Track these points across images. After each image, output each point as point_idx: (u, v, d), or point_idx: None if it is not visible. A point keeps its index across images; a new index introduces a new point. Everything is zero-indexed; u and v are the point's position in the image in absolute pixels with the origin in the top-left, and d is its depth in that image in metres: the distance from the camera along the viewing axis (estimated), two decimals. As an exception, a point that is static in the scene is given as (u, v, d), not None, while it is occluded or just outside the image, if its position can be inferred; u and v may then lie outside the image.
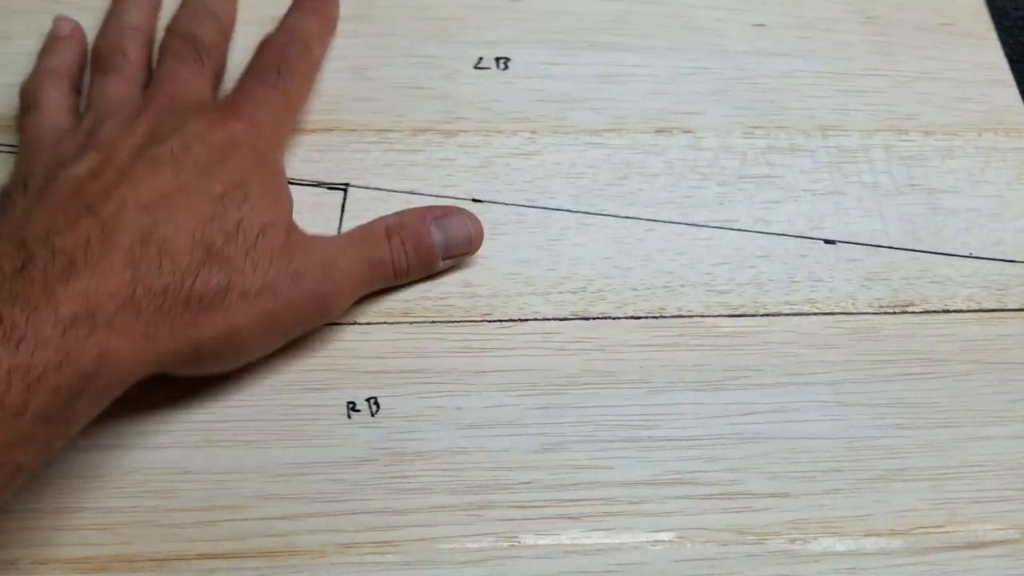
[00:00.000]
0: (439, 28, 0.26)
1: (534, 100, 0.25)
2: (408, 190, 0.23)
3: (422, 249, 0.22)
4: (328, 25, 0.25)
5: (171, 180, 0.20)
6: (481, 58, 0.25)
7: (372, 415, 0.21)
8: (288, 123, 0.23)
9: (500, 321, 0.22)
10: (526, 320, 0.22)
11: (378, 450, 0.21)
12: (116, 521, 0.19)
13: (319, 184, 0.24)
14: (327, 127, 0.24)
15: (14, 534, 0.19)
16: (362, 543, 0.20)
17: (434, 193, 0.24)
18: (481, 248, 0.22)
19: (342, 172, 0.24)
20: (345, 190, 0.23)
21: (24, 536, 0.19)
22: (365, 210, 0.23)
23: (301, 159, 0.24)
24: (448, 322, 0.22)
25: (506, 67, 0.25)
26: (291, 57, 0.23)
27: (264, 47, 0.23)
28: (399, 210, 0.22)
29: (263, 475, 0.20)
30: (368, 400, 0.21)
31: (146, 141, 0.21)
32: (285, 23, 0.24)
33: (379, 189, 0.23)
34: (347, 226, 0.23)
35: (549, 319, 0.22)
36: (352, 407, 0.21)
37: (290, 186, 0.22)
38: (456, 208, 0.23)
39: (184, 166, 0.20)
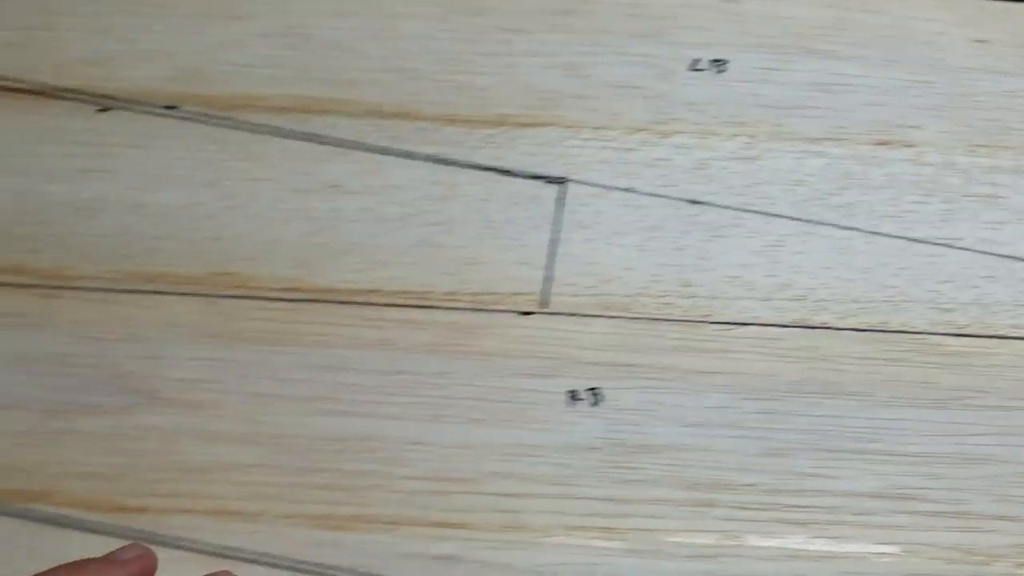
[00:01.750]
0: (652, 27, 0.29)
1: (751, 105, 0.28)
2: (625, 187, 0.26)
3: None
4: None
5: None
6: (698, 60, 0.28)
7: (594, 405, 0.24)
8: None
9: (721, 323, 0.25)
10: (746, 324, 0.25)
11: (601, 439, 0.23)
12: (354, 484, 0.22)
13: (537, 177, 0.26)
14: (545, 122, 0.27)
15: (259, 488, 0.22)
16: (588, 527, 0.22)
17: (650, 192, 0.26)
18: (700, 249, 0.25)
19: (560, 167, 0.26)
20: (563, 183, 0.26)
21: (268, 491, 0.22)
22: (583, 204, 0.26)
23: (520, 152, 0.26)
24: (668, 320, 0.25)
25: (722, 70, 0.28)
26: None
27: None
28: None
29: (491, 453, 0.23)
30: (590, 390, 0.24)
31: None
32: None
33: (596, 185, 0.26)
34: (566, 221, 0.25)
35: (770, 325, 0.25)
36: (573, 395, 0.24)
37: (510, 177, 0.25)
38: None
39: None
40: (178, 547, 0.23)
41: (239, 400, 0.24)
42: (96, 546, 0.21)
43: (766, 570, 0.23)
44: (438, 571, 0.22)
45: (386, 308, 0.25)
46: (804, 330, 0.25)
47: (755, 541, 0.23)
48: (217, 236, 0.25)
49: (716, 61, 0.29)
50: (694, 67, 0.29)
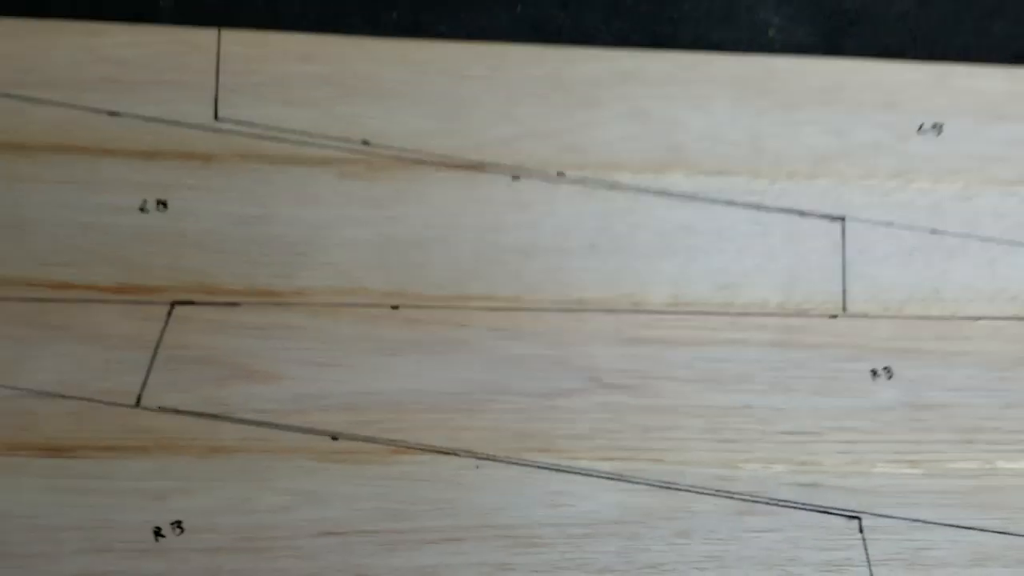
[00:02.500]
0: (891, 99, 0.41)
1: (963, 156, 0.40)
2: (887, 221, 0.39)
3: None
4: None
5: None
6: (922, 124, 0.41)
7: (889, 379, 0.37)
8: None
9: (964, 318, 0.37)
10: (980, 318, 0.37)
11: (896, 402, 0.36)
12: (742, 438, 0.35)
13: (824, 216, 0.39)
14: (823, 175, 0.39)
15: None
16: (898, 460, 0.35)
17: (906, 224, 0.39)
18: (942, 267, 0.39)
19: (838, 208, 0.39)
20: (843, 220, 0.39)
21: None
22: (860, 235, 0.39)
23: (808, 197, 0.39)
24: (929, 318, 0.37)
25: (940, 132, 0.41)
26: None
27: None
28: None
29: (828, 414, 0.36)
30: (885, 368, 0.37)
31: None
32: None
33: (866, 220, 0.39)
34: (848, 248, 0.38)
35: (997, 318, 0.37)
36: (874, 373, 0.37)
37: (805, 217, 0.37)
38: None
39: None
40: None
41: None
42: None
43: (1008, 483, 0.36)
44: (807, 495, 0.35)
45: (746, 317, 0.38)
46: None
47: (1005, 464, 0.36)
48: (623, 267, 0.38)
49: (935, 125, 0.42)
50: (920, 130, 0.42)
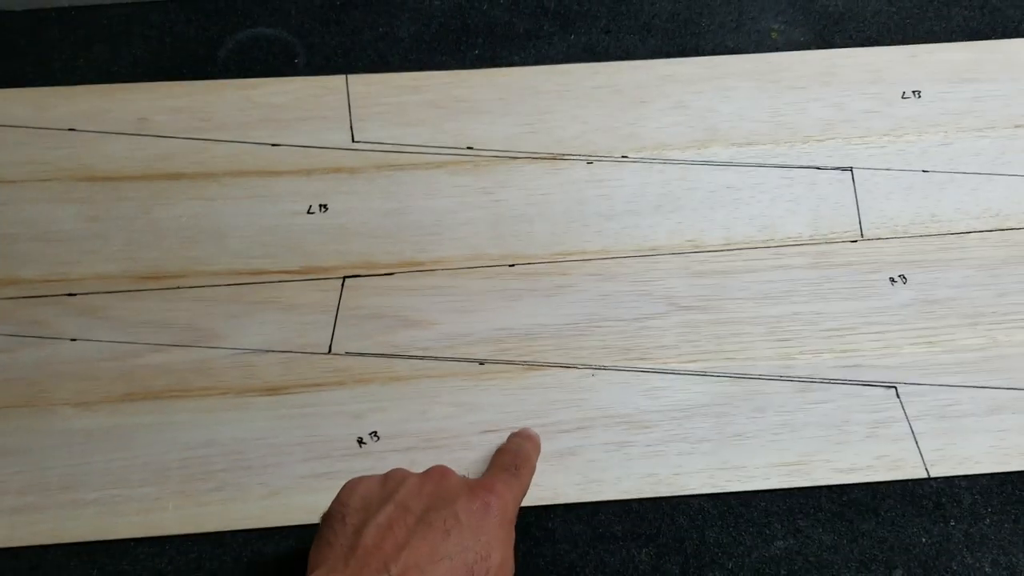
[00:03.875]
0: (877, 76, 0.56)
1: (938, 113, 0.54)
2: (893, 167, 0.53)
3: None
4: (537, 449, 0.46)
5: (440, 546, 0.35)
6: (904, 92, 0.55)
7: (904, 285, 0.50)
8: (518, 503, 0.41)
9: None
10: None
11: (911, 300, 0.50)
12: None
13: (834, 168, 0.53)
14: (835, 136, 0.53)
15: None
16: (917, 343, 0.48)
17: (885, 167, 0.53)
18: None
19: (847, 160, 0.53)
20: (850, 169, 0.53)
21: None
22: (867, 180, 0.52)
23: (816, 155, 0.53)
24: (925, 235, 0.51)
25: (919, 97, 0.55)
26: (520, 460, 0.43)
27: (500, 452, 0.45)
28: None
29: (849, 314, 0.49)
30: (900, 276, 0.50)
31: (428, 506, 0.37)
32: (511, 441, 0.46)
33: (876, 169, 0.53)
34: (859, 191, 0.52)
35: None
36: (892, 280, 0.50)
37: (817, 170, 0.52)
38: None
39: (450, 536, 0.36)
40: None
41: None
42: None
43: (1009, 352, 0.49)
44: (851, 374, 0.48)
45: (785, 248, 0.51)
46: None
47: (1005, 338, 0.49)
48: (683, 220, 0.52)
49: (915, 92, 0.57)
50: (903, 97, 0.56)
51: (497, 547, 0.37)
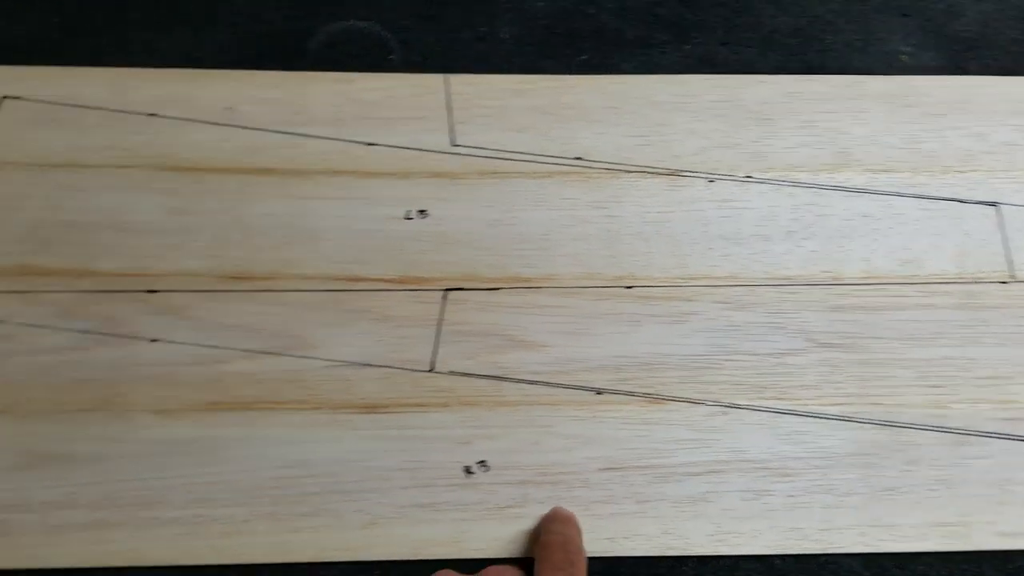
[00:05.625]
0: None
1: None
2: None
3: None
4: (580, 533, 0.43)
5: None
6: None
7: None
8: None
9: None
10: None
11: None
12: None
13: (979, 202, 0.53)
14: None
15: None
16: None
17: None
18: None
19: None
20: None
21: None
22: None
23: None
24: None
25: None
26: (572, 554, 0.41)
27: (546, 548, 0.42)
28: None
29: None
30: None
31: None
32: (553, 531, 0.43)
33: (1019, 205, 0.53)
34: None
35: None
36: None
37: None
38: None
39: None
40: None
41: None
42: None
43: None
44: (1010, 427, 0.47)
45: (930, 285, 0.51)
46: None
47: None
48: (817, 249, 0.51)
49: None
50: None
51: None
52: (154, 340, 0.47)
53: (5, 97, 0.53)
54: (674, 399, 0.48)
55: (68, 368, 0.46)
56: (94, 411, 0.45)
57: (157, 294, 0.48)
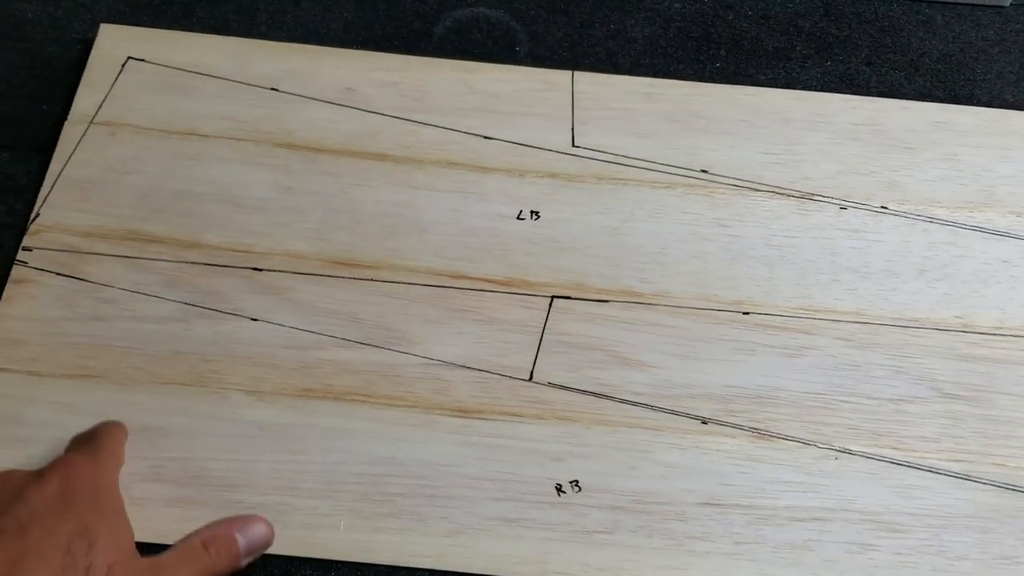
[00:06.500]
0: None
1: None
2: None
3: (233, 556, 0.38)
4: (120, 426, 0.41)
5: (19, 544, 0.32)
6: None
7: None
8: (112, 468, 0.38)
9: None
10: None
11: None
12: None
13: None
14: None
15: None
16: None
17: None
18: None
19: None
20: None
21: None
22: None
23: None
24: None
25: None
26: (97, 429, 0.40)
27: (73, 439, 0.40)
28: (207, 524, 0.38)
29: None
30: None
31: None
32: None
33: None
34: None
35: None
36: None
37: None
38: (254, 516, 0.39)
39: (29, 531, 0.33)
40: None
41: None
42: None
43: None
44: None
45: None
46: None
47: None
48: (950, 292, 0.47)
49: None
50: None
51: (96, 519, 0.34)
52: (255, 319, 0.45)
53: (130, 58, 0.52)
54: (784, 437, 0.44)
55: (168, 339, 0.44)
56: (190, 386, 0.43)
57: (261, 272, 0.46)
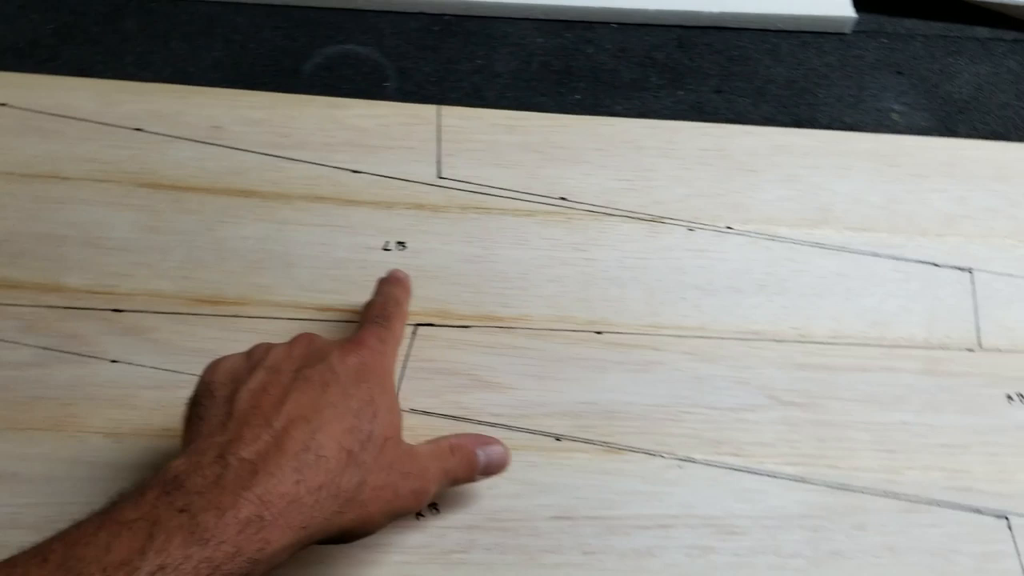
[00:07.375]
0: (1008, 173, 0.53)
1: None
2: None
3: (471, 467, 0.41)
4: (408, 293, 0.46)
5: (321, 396, 0.35)
6: None
7: None
8: (394, 353, 0.42)
9: None
10: None
11: None
12: None
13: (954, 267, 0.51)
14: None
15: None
16: None
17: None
18: None
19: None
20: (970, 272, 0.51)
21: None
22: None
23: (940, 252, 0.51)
24: None
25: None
26: (390, 309, 0.43)
27: (370, 306, 0.44)
28: (458, 433, 0.42)
29: None
30: None
31: (300, 365, 0.37)
32: (380, 290, 0.45)
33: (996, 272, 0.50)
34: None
35: None
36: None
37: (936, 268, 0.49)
38: (494, 439, 0.42)
39: (329, 388, 0.35)
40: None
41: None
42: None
43: None
44: (961, 497, 0.45)
45: (896, 349, 0.48)
46: None
47: None
48: (788, 305, 0.49)
49: None
50: None
51: (380, 394, 0.37)
52: (114, 361, 0.45)
53: (-7, 102, 0.52)
54: (632, 449, 0.46)
55: (25, 385, 0.44)
56: (47, 430, 0.43)
57: (123, 313, 0.46)
